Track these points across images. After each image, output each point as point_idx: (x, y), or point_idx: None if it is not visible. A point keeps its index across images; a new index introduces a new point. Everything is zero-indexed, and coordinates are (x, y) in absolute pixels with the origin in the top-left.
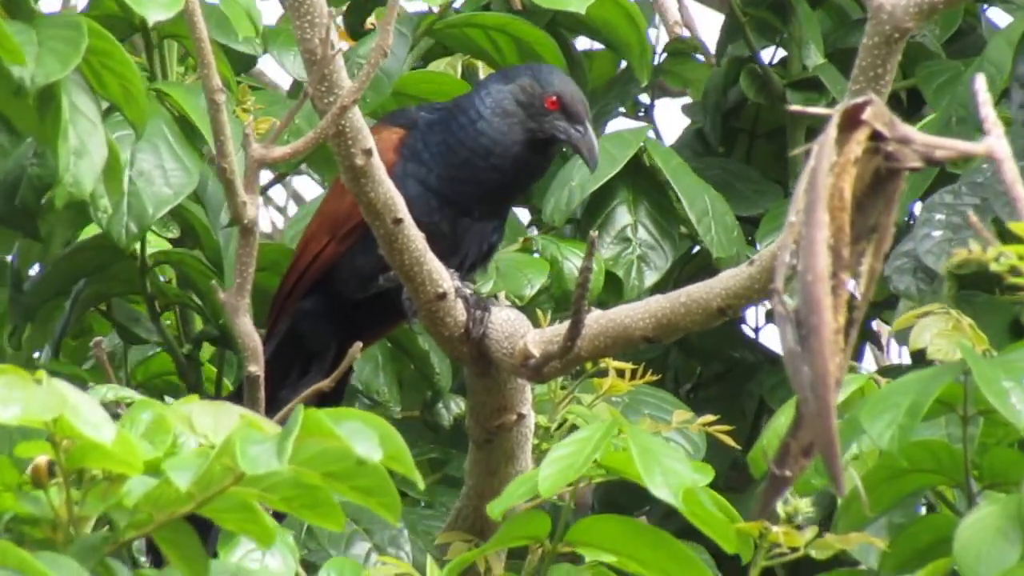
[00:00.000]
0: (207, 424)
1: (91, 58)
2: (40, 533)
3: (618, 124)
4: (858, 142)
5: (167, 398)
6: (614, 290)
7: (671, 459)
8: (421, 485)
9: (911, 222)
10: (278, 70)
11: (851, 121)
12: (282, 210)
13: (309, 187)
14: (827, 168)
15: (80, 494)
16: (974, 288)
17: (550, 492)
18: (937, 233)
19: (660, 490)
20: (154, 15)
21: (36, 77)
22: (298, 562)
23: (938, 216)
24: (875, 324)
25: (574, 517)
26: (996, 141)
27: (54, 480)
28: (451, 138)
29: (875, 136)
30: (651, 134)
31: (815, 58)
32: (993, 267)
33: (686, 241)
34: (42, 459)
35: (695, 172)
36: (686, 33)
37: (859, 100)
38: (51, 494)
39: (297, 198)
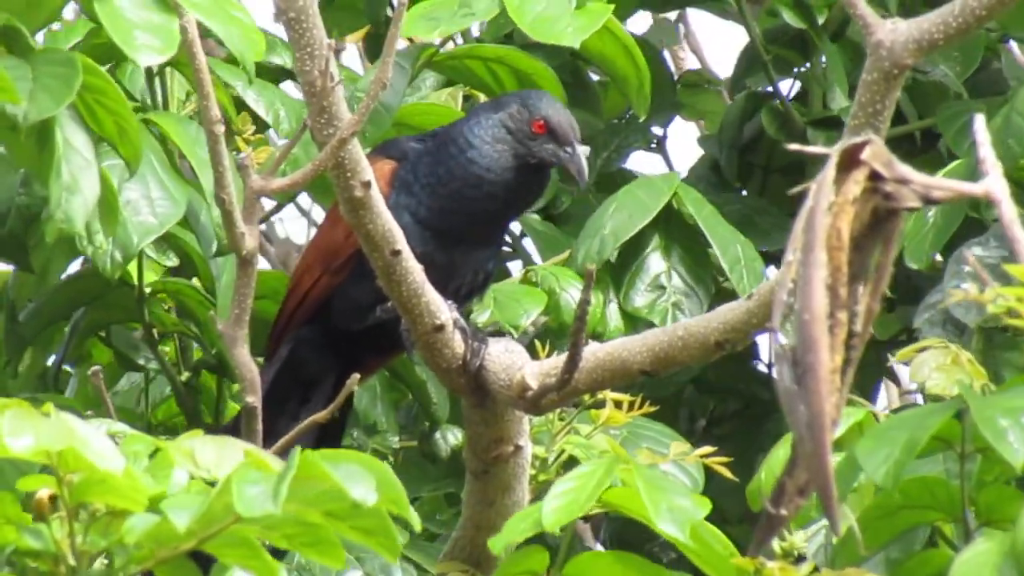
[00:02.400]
0: (210, 459)
1: (85, 95)
2: (43, 566)
3: (635, 158)
4: (856, 182)
5: None
6: None
7: (677, 494)
8: (418, 526)
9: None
10: None
11: (850, 160)
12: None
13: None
14: (825, 207)
15: (82, 528)
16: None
17: (555, 527)
18: (966, 285)
19: (667, 525)
20: (145, 59)
21: (29, 114)
22: None
23: (966, 269)
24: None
25: (573, 551)
26: (994, 182)
27: (56, 514)
28: (441, 168)
29: (874, 176)
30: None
31: (840, 100)
32: (991, 309)
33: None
34: (44, 493)
35: (716, 207)
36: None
37: (858, 140)
38: (53, 528)
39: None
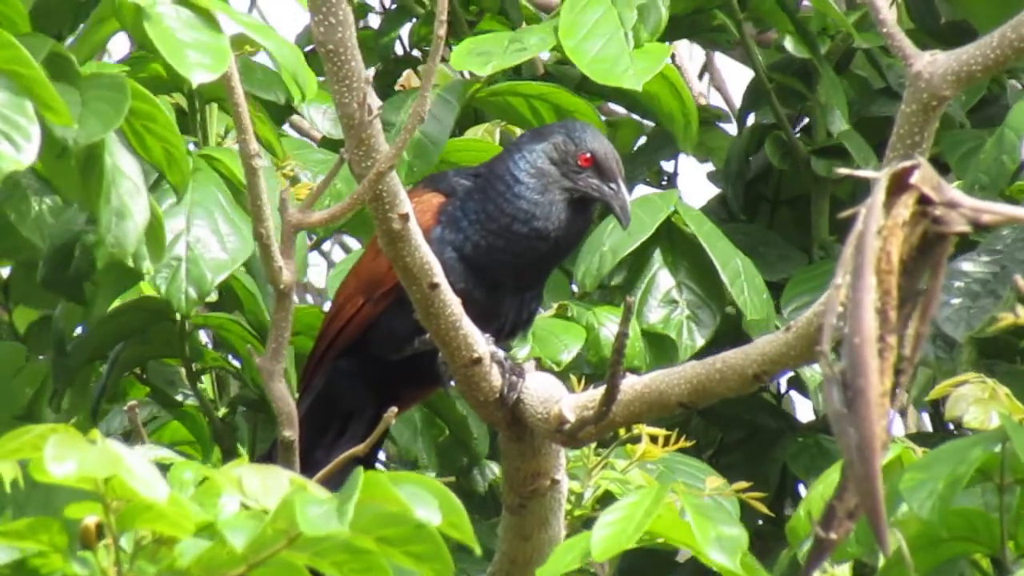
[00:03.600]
0: (256, 487)
1: (134, 120)
2: None
3: (641, 191)
4: (906, 205)
5: None
6: (664, 353)
7: (724, 523)
8: (479, 551)
9: None
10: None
11: (899, 184)
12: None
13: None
14: (875, 231)
15: (129, 556)
16: (995, 357)
17: (604, 556)
18: (956, 300)
19: (717, 555)
20: (198, 77)
21: (79, 138)
22: None
23: (957, 283)
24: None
25: None
26: None
27: (103, 542)
28: (490, 204)
29: (923, 200)
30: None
31: (840, 124)
32: None
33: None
34: (91, 520)
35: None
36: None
37: (907, 163)
38: (100, 556)
39: (345, 247)
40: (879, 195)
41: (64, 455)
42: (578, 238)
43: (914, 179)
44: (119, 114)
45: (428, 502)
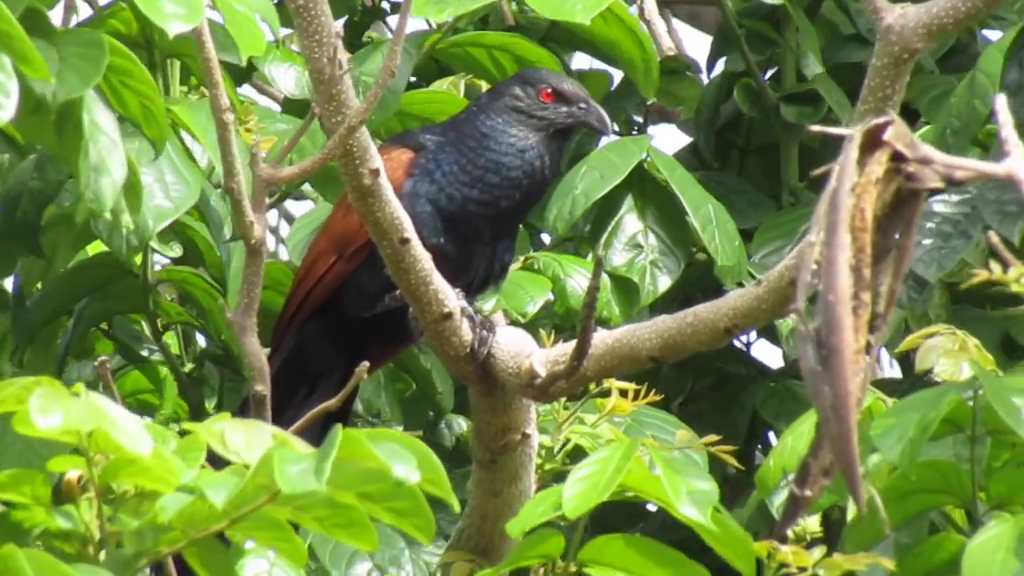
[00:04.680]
0: (239, 442)
1: (111, 76)
2: (70, 548)
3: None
4: (879, 162)
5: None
6: (628, 297)
7: (695, 477)
8: (457, 507)
9: None
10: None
11: (872, 141)
12: (274, 231)
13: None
14: (848, 188)
15: (111, 510)
16: (966, 301)
17: (576, 513)
18: (927, 241)
19: (687, 509)
20: (174, 27)
21: (58, 93)
22: None
23: (928, 224)
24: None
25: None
26: (1017, 162)
27: (84, 495)
28: (462, 158)
29: (896, 156)
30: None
31: (814, 67)
32: (1015, 288)
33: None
34: (74, 474)
35: None
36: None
37: (880, 120)
38: (82, 510)
39: (288, 219)
40: (852, 152)
41: (50, 407)
42: (552, 178)
43: (887, 136)
44: (98, 70)
45: (406, 459)
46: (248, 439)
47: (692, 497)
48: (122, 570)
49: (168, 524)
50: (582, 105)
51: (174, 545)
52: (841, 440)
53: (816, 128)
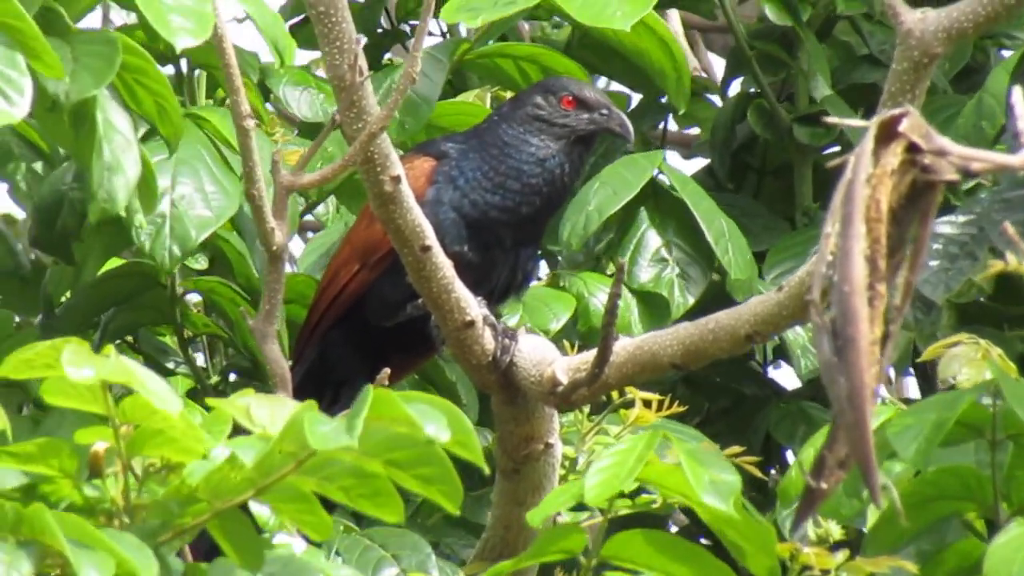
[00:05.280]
0: (264, 415)
1: (125, 74)
2: (95, 522)
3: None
4: (895, 154)
5: None
6: (657, 312)
7: (718, 468)
8: (487, 469)
9: None
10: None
11: (888, 133)
12: None
13: None
14: (864, 180)
15: (137, 485)
16: (978, 323)
17: (597, 501)
18: (934, 263)
19: (711, 498)
20: (182, 42)
21: (71, 93)
22: None
23: (935, 245)
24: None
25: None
26: None
27: (111, 469)
28: (485, 165)
29: (912, 148)
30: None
31: (823, 89)
32: None
33: None
34: (101, 446)
35: None
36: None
37: (896, 112)
38: (108, 483)
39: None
40: (868, 143)
41: (82, 361)
42: (571, 184)
43: (903, 127)
44: (111, 69)
45: (437, 419)
46: (273, 412)
47: (715, 487)
48: (146, 540)
49: (194, 495)
50: (604, 111)
51: (199, 517)
52: (856, 430)
53: (832, 120)
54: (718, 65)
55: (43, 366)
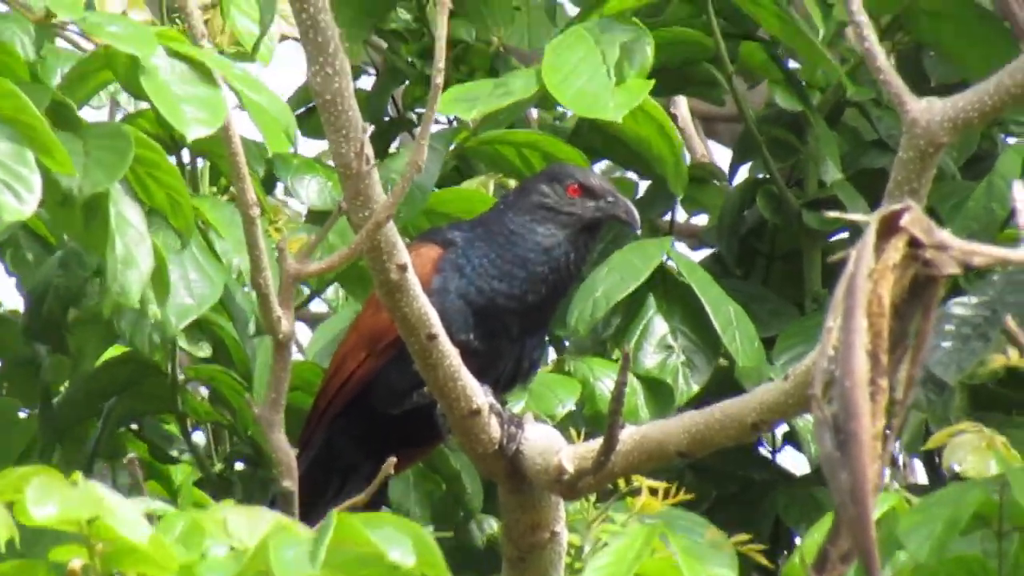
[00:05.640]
0: (242, 528)
1: (137, 167)
2: None
3: None
4: (896, 248)
5: None
6: (661, 399)
7: (716, 564)
8: None
9: None
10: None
11: (889, 227)
12: None
13: None
14: (865, 274)
15: None
16: (991, 407)
17: None
18: (947, 344)
19: None
20: (194, 132)
21: (84, 187)
22: None
23: (947, 326)
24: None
25: None
26: None
27: None
28: (492, 253)
29: (913, 242)
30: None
31: (833, 173)
32: None
33: None
34: (76, 563)
35: None
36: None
37: (897, 206)
38: None
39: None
40: (870, 238)
41: (46, 497)
42: (577, 272)
43: (904, 221)
44: (123, 163)
45: (401, 543)
46: (251, 525)
47: None
48: None
49: None
50: (609, 199)
51: None
52: (859, 525)
53: (834, 214)
54: (719, 153)
55: (13, 492)
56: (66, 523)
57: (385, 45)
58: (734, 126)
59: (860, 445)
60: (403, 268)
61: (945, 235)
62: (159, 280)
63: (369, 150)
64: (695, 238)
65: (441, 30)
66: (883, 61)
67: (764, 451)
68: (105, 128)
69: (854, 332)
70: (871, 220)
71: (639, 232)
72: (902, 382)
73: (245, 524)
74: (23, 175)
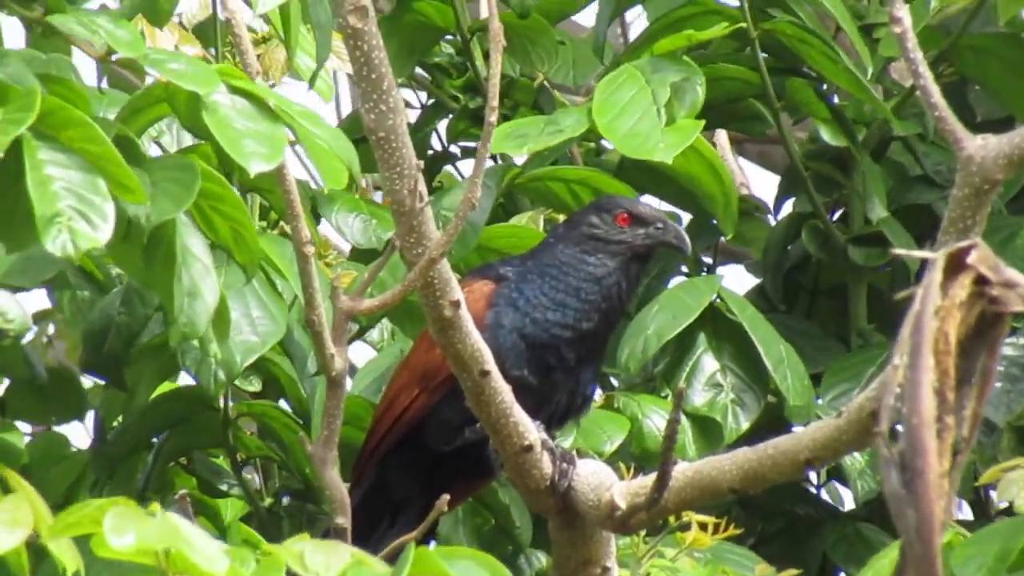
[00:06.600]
0: (319, 561)
1: (201, 201)
2: None
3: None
4: (963, 286)
5: None
6: (710, 436)
7: None
8: None
9: None
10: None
11: (956, 264)
12: None
13: None
14: (932, 311)
15: None
16: None
17: None
18: (996, 384)
19: None
20: (256, 166)
21: (152, 216)
22: None
23: (997, 367)
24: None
25: None
26: None
27: None
28: (546, 285)
29: (980, 280)
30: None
31: (879, 211)
32: None
33: None
34: None
35: None
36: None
37: (964, 244)
38: None
39: None
40: (936, 275)
41: (124, 527)
42: (629, 300)
43: (971, 259)
44: (190, 194)
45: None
46: (328, 559)
47: None
48: None
49: None
50: (659, 225)
51: None
52: (925, 563)
53: (898, 251)
54: (773, 180)
55: (91, 524)
56: (143, 554)
57: (429, 79)
58: (761, 145)
59: (927, 483)
60: (456, 305)
61: (1013, 272)
62: (219, 318)
63: (423, 187)
64: (731, 256)
65: (495, 68)
66: (938, 98)
67: (809, 485)
68: (170, 160)
69: (921, 370)
70: (938, 257)
71: (688, 255)
72: (967, 419)
73: (322, 558)
74: (96, 204)
